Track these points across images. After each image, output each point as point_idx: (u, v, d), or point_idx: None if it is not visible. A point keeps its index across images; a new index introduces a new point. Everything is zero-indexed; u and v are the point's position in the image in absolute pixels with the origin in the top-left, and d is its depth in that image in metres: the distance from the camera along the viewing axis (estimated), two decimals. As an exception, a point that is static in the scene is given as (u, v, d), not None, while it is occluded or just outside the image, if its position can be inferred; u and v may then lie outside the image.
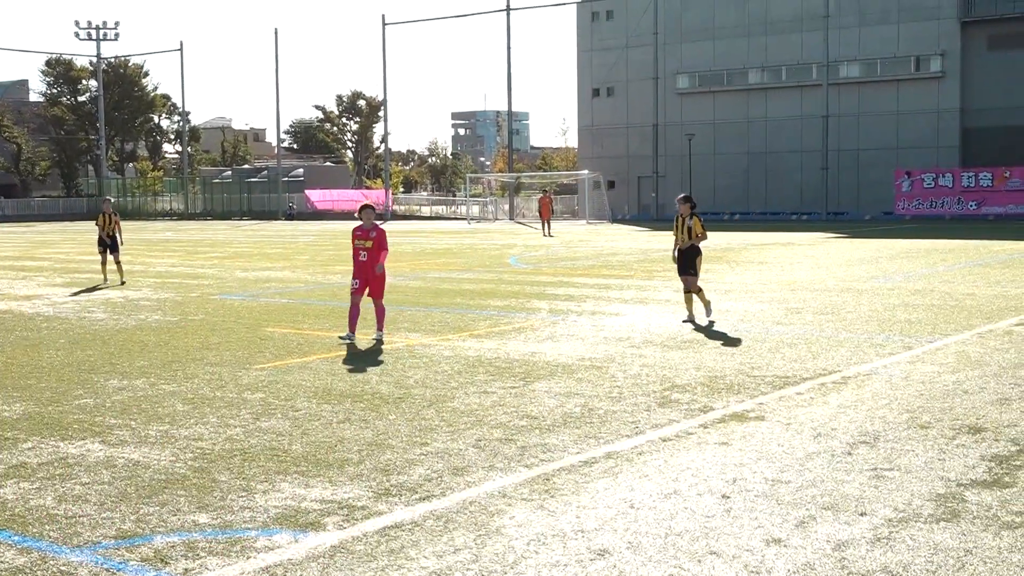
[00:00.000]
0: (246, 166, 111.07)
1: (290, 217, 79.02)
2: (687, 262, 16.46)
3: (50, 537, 6.60)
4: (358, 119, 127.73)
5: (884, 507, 6.91)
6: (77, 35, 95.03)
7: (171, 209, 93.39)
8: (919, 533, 6.37)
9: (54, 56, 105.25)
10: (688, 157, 65.34)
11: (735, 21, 67.00)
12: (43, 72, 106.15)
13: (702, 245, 16.64)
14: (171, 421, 9.83)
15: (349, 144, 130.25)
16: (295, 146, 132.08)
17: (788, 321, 16.51)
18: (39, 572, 6.00)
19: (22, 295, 22.47)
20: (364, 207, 15.25)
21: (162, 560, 6.15)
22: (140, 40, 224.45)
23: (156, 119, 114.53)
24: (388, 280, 15.41)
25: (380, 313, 14.96)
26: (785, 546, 6.19)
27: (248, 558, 6.17)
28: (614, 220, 64.82)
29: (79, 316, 18.42)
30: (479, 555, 6.15)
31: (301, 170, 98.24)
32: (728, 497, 7.20)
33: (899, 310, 17.61)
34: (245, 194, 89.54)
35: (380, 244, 14.81)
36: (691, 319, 16.21)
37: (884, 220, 58.33)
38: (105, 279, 25.19)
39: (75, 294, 22.51)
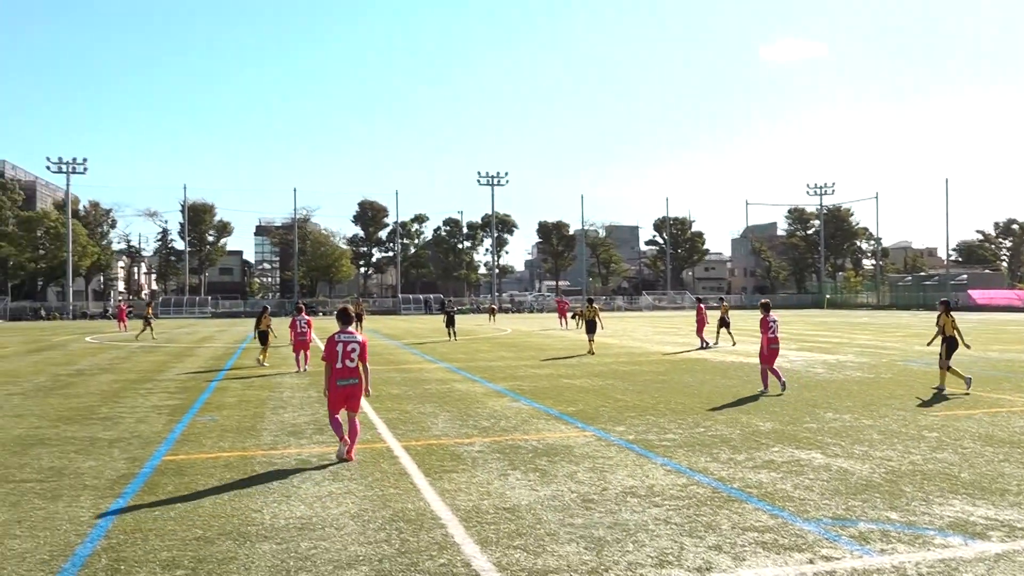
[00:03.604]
0: (921, 273, 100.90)
1: (954, 308, 69.74)
2: None
3: (789, 510, 6.50)
4: (1011, 238, 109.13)
5: None
6: (807, 192, 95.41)
7: (867, 302, 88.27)
8: None
9: (792, 207, 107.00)
10: None
11: None
12: (786, 217, 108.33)
13: None
14: (869, 444, 9.13)
15: (1003, 257, 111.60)
16: (959, 259, 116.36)
17: None
18: (782, 531, 5.93)
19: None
20: None
21: (864, 540, 5.70)
22: (849, 192, 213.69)
23: (858, 243, 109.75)
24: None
25: None
26: None
27: (928, 550, 5.46)
28: None
29: (805, 370, 18.04)
30: None
31: (965, 276, 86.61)
32: None
33: None
34: (920, 292, 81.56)
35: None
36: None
37: None
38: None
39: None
